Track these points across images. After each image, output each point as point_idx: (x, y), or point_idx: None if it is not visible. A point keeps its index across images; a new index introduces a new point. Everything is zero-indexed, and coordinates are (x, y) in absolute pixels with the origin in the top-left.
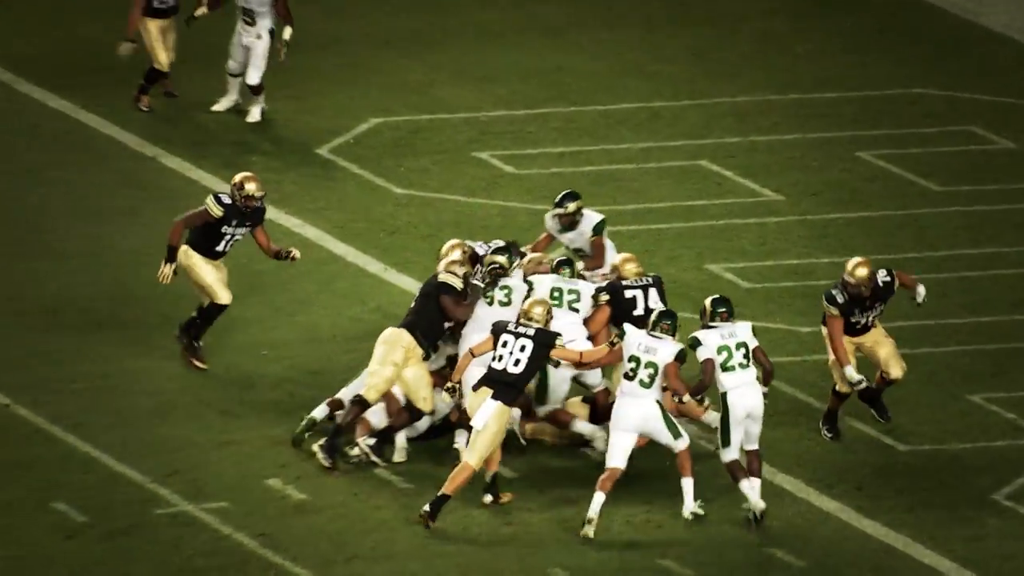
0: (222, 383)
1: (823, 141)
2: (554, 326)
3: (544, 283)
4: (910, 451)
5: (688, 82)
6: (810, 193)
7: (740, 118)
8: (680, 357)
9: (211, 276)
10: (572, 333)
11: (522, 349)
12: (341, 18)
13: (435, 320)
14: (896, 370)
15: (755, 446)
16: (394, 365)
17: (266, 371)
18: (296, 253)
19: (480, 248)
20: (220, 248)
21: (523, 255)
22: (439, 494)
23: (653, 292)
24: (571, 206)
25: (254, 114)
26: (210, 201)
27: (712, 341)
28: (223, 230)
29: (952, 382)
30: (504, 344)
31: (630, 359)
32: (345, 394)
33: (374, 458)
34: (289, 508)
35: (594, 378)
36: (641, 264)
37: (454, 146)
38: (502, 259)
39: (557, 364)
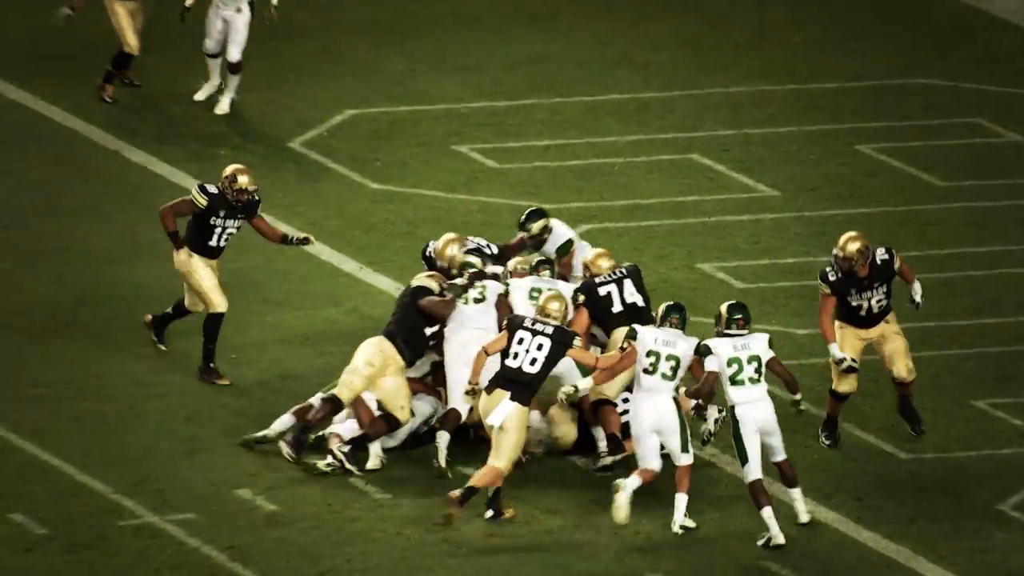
0: (189, 388)
1: (821, 134)
2: None
3: (522, 286)
4: (912, 459)
5: (679, 72)
6: (807, 188)
7: (734, 110)
8: (698, 351)
9: (208, 281)
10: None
11: (539, 348)
12: (315, 5)
13: (416, 327)
14: (900, 369)
15: (782, 456)
16: (370, 366)
17: (236, 375)
18: (310, 237)
19: (471, 243)
20: (214, 243)
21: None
22: (465, 488)
23: (628, 284)
24: (534, 227)
25: (223, 105)
26: (195, 192)
27: (723, 352)
28: (212, 222)
29: (956, 387)
30: (520, 341)
31: (648, 354)
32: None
33: (348, 466)
34: (260, 520)
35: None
36: (632, 261)
37: (433, 139)
38: (477, 260)
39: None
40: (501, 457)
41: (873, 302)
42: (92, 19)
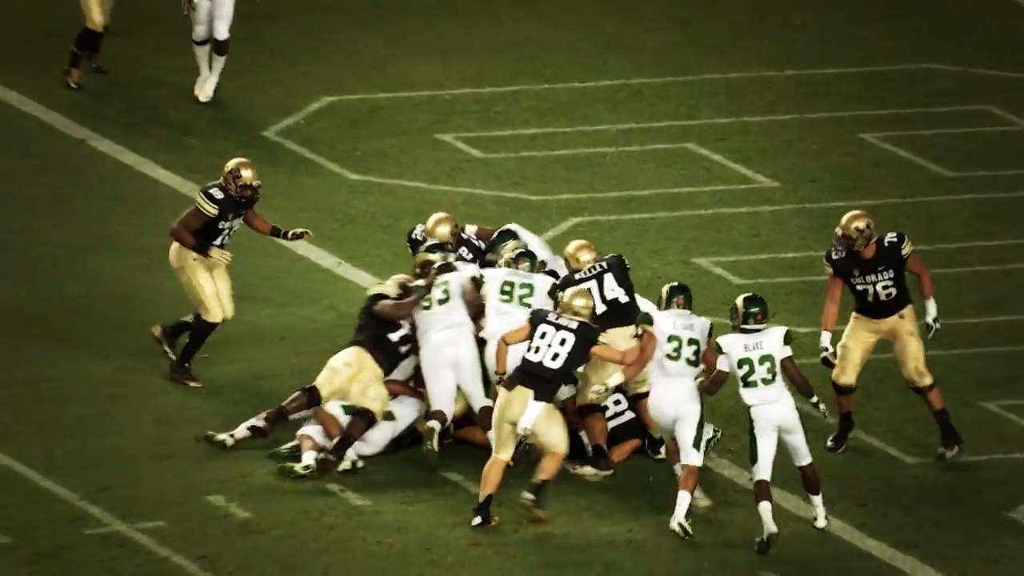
0: (158, 389)
1: (823, 122)
2: (498, 323)
3: (496, 277)
4: (918, 464)
5: (674, 56)
6: (808, 179)
7: (731, 96)
8: (711, 334)
9: (208, 289)
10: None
11: (562, 343)
12: None
13: (379, 335)
14: (909, 370)
15: (806, 460)
16: (349, 367)
17: (207, 375)
18: (307, 231)
19: (468, 230)
20: (219, 243)
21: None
22: (538, 481)
23: (609, 279)
24: (504, 252)
25: (207, 90)
26: (201, 200)
27: (735, 351)
28: (220, 226)
29: (965, 388)
30: (542, 335)
31: (670, 339)
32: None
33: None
34: (232, 527)
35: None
36: (629, 258)
37: (415, 127)
38: (436, 257)
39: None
40: (559, 443)
41: (879, 287)
42: (57, 1)
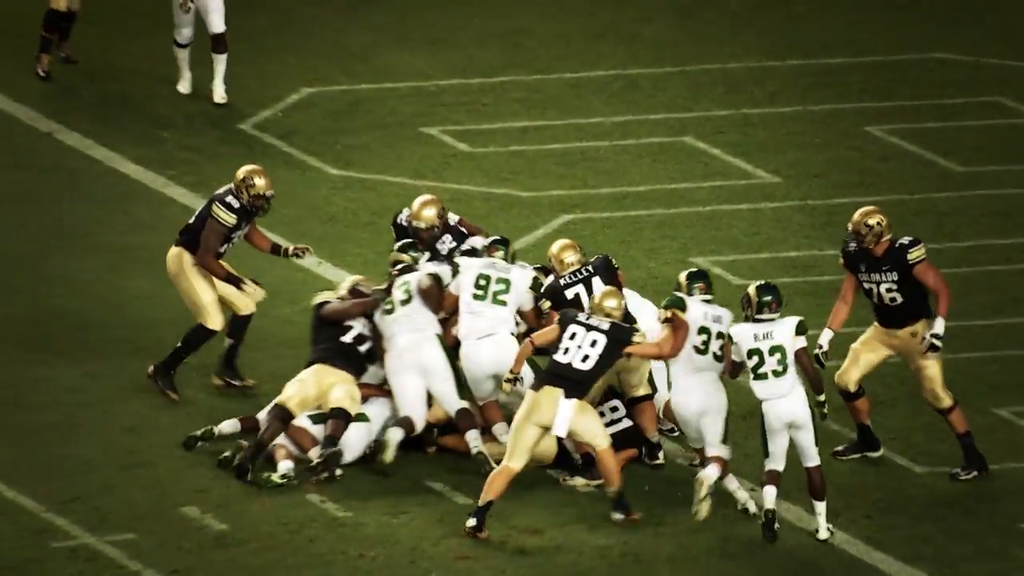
0: (130, 395)
1: (827, 114)
2: (470, 323)
3: (471, 268)
4: (928, 473)
5: (671, 46)
6: (812, 175)
7: (731, 88)
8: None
9: (207, 296)
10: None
11: (592, 344)
12: None
13: (332, 342)
14: (926, 393)
15: (813, 462)
16: (316, 375)
17: (181, 381)
18: (308, 248)
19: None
20: (222, 249)
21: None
22: (614, 495)
23: (597, 283)
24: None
25: (219, 92)
26: (218, 210)
27: (745, 342)
28: (232, 236)
29: (976, 393)
30: (572, 336)
31: (700, 331)
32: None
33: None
34: (207, 540)
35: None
36: (624, 257)
37: (399, 120)
38: (406, 257)
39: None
40: (599, 439)
41: (882, 289)
42: None
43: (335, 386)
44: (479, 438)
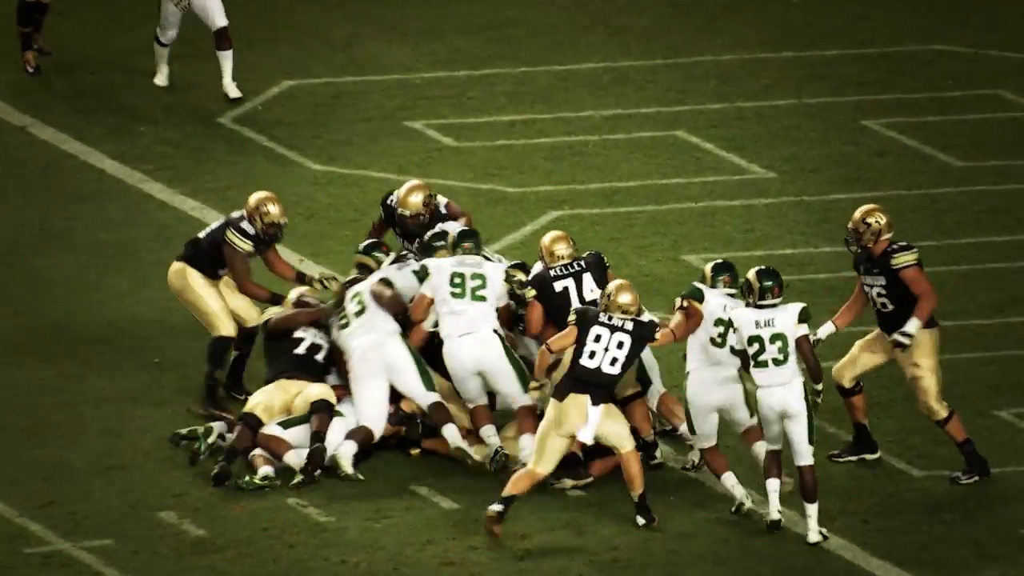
0: (105, 397)
1: (823, 107)
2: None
3: (443, 269)
4: (926, 476)
5: (662, 37)
6: (807, 170)
7: (724, 80)
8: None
9: (215, 304)
10: (481, 326)
11: (619, 346)
12: None
13: (283, 355)
14: (920, 406)
15: (805, 460)
16: (280, 389)
17: (158, 382)
18: (336, 276)
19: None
20: (221, 273)
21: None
22: (637, 498)
23: (588, 279)
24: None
25: (232, 89)
26: (233, 236)
27: (746, 328)
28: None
29: (976, 395)
30: (597, 339)
31: (717, 323)
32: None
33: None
34: (185, 546)
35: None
36: (614, 254)
37: (383, 114)
38: (371, 260)
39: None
40: (623, 440)
41: (874, 293)
42: None
43: (308, 387)
44: (457, 433)
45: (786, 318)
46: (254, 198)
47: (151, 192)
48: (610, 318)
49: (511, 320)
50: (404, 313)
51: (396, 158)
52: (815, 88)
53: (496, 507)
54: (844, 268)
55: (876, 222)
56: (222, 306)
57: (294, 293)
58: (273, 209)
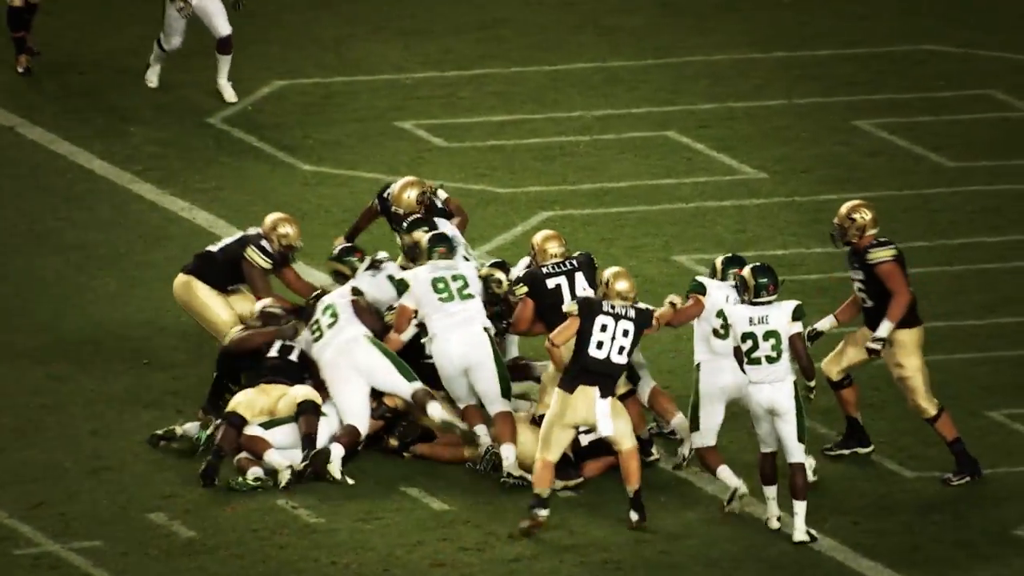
0: (94, 398)
1: (814, 108)
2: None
3: (422, 279)
4: (917, 477)
5: (653, 37)
6: (799, 170)
7: (715, 80)
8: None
9: (224, 314)
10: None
11: (625, 334)
12: None
13: (258, 364)
14: (909, 405)
15: (796, 458)
16: (261, 392)
17: (148, 383)
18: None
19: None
20: (231, 289)
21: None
22: (632, 494)
23: (580, 277)
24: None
25: (227, 89)
26: (255, 254)
27: (739, 325)
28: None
29: (968, 395)
30: (603, 328)
31: (719, 314)
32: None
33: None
34: (175, 547)
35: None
36: (605, 255)
37: (373, 114)
38: (344, 267)
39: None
40: (624, 440)
41: (856, 288)
42: None
43: (290, 389)
44: (441, 408)
45: (780, 316)
46: (271, 218)
47: (141, 192)
48: (613, 307)
49: (532, 322)
50: (383, 330)
51: (386, 158)
52: (806, 88)
53: (542, 512)
54: (836, 268)
55: (861, 217)
56: (231, 314)
57: (259, 305)
58: (291, 231)
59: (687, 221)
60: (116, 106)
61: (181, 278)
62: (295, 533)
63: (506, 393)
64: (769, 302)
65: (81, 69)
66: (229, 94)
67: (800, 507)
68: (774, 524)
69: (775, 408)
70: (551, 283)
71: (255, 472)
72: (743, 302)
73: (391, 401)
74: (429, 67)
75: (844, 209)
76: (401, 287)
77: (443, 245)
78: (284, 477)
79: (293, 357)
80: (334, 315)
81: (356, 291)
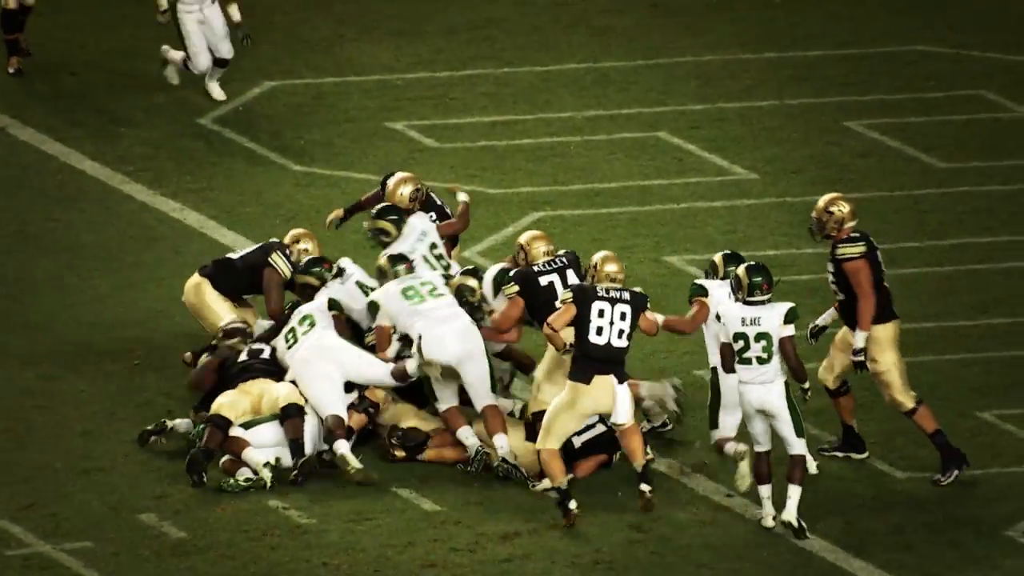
0: (86, 398)
1: (805, 108)
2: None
3: (391, 294)
4: (909, 478)
5: (643, 38)
6: (790, 171)
7: (706, 81)
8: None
9: (232, 318)
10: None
11: (622, 317)
12: None
13: (233, 372)
14: (886, 401)
15: (796, 450)
16: (245, 393)
17: (139, 383)
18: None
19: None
20: (248, 297)
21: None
22: (640, 469)
23: (571, 274)
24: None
25: (217, 89)
26: (280, 261)
27: (732, 324)
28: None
29: (959, 396)
30: (600, 313)
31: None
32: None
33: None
34: (166, 548)
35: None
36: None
37: (364, 115)
38: (313, 279)
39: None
40: (628, 416)
41: (829, 279)
42: None
43: (270, 386)
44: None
45: (773, 317)
46: (294, 232)
47: (132, 193)
48: (607, 291)
49: (521, 321)
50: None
51: (378, 159)
52: (797, 89)
53: (572, 504)
54: (826, 269)
55: (839, 210)
56: (240, 319)
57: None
58: (311, 247)
59: (678, 222)
60: (107, 107)
61: (194, 279)
62: (286, 534)
63: (493, 387)
64: (763, 302)
65: (72, 70)
66: (217, 92)
67: (795, 491)
68: (768, 523)
69: (767, 409)
70: (544, 280)
71: (245, 473)
72: (736, 301)
73: (373, 395)
74: (420, 68)
75: (822, 202)
76: (372, 309)
77: (404, 262)
78: (266, 475)
79: (266, 355)
80: (312, 324)
81: (333, 304)
